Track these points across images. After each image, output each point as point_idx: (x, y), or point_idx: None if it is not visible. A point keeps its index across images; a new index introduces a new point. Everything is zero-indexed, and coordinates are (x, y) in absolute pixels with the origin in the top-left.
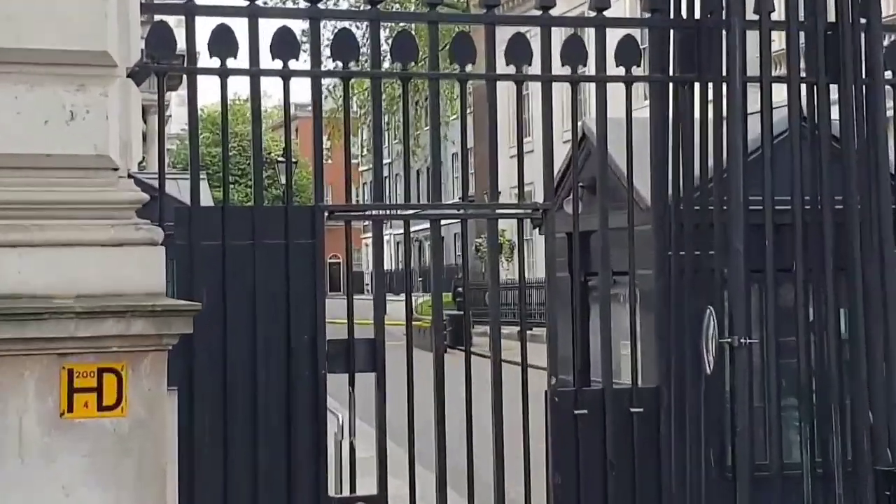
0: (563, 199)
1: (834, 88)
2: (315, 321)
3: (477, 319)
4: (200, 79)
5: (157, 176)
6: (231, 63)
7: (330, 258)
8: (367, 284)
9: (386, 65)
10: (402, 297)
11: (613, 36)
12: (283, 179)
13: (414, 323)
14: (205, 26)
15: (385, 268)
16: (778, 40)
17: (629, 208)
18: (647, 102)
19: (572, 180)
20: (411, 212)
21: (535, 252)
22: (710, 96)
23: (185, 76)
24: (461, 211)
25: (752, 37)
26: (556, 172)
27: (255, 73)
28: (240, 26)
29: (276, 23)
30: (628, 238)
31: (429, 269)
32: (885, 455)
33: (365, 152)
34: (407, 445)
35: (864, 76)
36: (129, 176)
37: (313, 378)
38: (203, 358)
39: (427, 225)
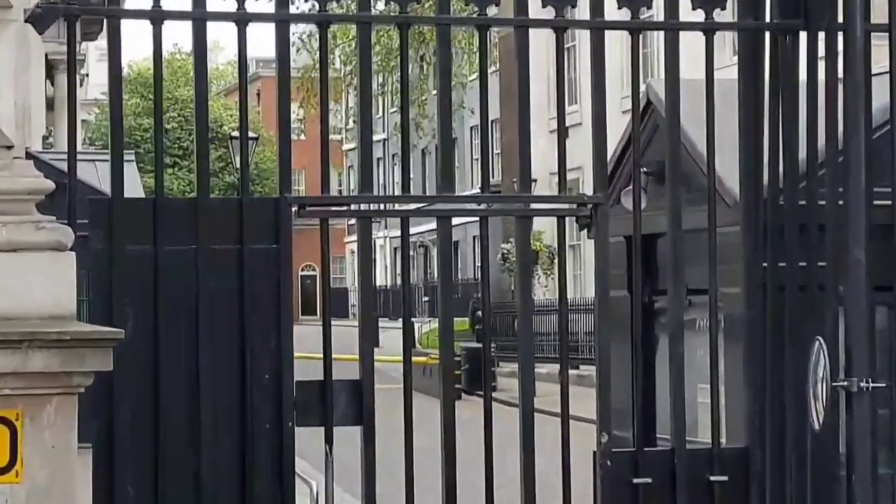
0: (621, 191)
1: None
2: (279, 355)
3: (502, 354)
4: (126, 24)
5: (66, 156)
6: (168, 4)
7: (301, 269)
8: (353, 305)
9: (380, 7)
10: (400, 323)
11: None
12: (237, 162)
13: (415, 359)
14: None
15: (376, 283)
16: None
17: (710, 203)
18: (736, 59)
19: (633, 164)
20: (412, 206)
21: (583, 263)
22: (822, 51)
23: (105, 21)
24: (481, 206)
25: None
26: (610, 154)
27: (199, 18)
28: None
29: None
30: (709, 244)
31: (436, 285)
32: None
33: (350, 124)
34: None
35: None
36: (29, 156)
37: (277, 433)
38: (127, 404)
39: (434, 225)
